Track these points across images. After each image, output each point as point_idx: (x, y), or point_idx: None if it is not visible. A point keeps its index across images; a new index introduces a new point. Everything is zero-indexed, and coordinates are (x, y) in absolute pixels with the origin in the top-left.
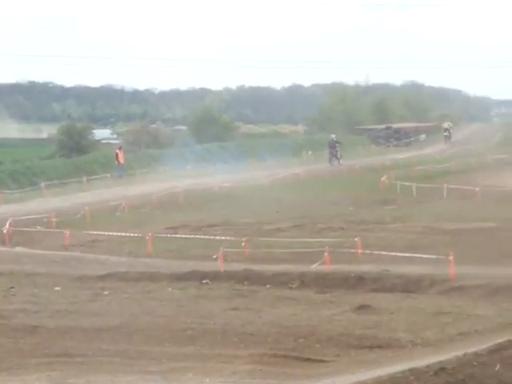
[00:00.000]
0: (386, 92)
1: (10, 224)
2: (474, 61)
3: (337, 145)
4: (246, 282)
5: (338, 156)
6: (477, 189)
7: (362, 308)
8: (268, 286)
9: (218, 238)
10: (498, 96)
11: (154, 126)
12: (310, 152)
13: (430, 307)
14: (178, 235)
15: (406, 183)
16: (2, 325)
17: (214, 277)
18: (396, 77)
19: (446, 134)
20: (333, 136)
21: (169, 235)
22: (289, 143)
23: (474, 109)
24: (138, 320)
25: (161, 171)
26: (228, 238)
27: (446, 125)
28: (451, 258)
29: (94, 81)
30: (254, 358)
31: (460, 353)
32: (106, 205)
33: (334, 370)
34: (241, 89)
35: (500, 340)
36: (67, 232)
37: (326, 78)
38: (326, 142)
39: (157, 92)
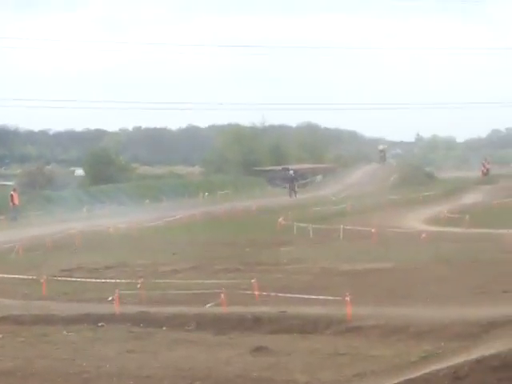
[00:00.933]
0: (283, 133)
1: None
2: (368, 103)
3: (294, 180)
4: (141, 325)
5: (296, 189)
6: (373, 230)
7: (258, 350)
8: (164, 328)
9: (113, 280)
10: (392, 137)
11: (49, 167)
12: (206, 193)
13: (327, 348)
14: (73, 278)
15: (303, 224)
16: None
17: (110, 319)
18: (292, 118)
19: (381, 154)
20: (291, 172)
21: (64, 278)
22: (185, 184)
23: (369, 150)
24: (32, 364)
25: (56, 213)
26: (124, 280)
27: (381, 147)
28: (348, 298)
29: None
30: None
31: None
32: (0, 247)
33: None
34: (137, 130)
35: (396, 381)
36: None
37: (222, 119)
38: (286, 176)
39: (51, 133)
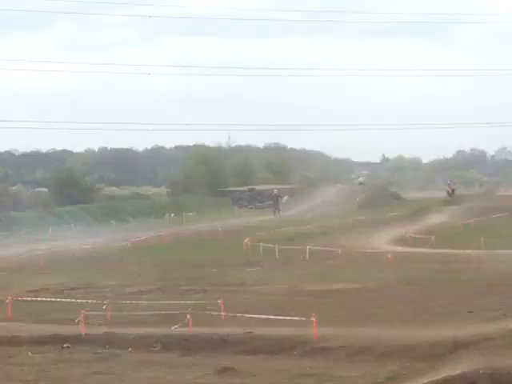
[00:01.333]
0: (249, 154)
1: None
2: (334, 123)
3: (279, 199)
4: (107, 346)
5: (280, 208)
6: (339, 250)
7: (224, 371)
8: (130, 349)
9: (79, 301)
10: (358, 158)
11: (14, 188)
12: (172, 214)
13: (293, 369)
14: (38, 299)
15: (269, 245)
16: None
17: (75, 340)
18: (258, 139)
19: (361, 186)
20: (275, 191)
21: (29, 299)
22: (151, 205)
23: (336, 171)
24: None
25: (22, 234)
26: (89, 301)
27: (361, 179)
28: (314, 319)
29: None
30: None
31: None
32: None
33: None
34: (103, 151)
35: None
36: None
37: (188, 140)
38: (270, 195)
39: (17, 154)
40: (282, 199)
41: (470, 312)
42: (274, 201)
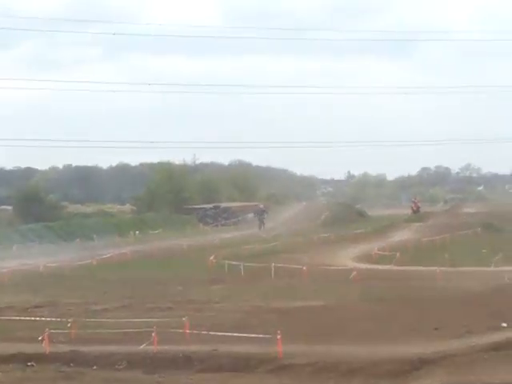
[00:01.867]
0: (214, 171)
1: None
2: (299, 141)
3: (264, 213)
4: (72, 364)
5: (265, 222)
6: (304, 267)
7: None
8: (95, 367)
9: (43, 319)
10: (323, 175)
11: None
12: (137, 232)
13: None
14: (2, 317)
15: (234, 262)
16: None
17: (40, 359)
18: (223, 156)
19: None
20: (261, 206)
21: None
22: (116, 223)
23: (301, 188)
24: None
25: None
26: (54, 319)
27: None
28: (279, 336)
29: None
30: None
31: None
32: None
33: None
34: (67, 168)
35: None
36: None
37: (153, 157)
38: (255, 210)
39: None
40: (247, 217)
41: (435, 329)
42: (259, 215)
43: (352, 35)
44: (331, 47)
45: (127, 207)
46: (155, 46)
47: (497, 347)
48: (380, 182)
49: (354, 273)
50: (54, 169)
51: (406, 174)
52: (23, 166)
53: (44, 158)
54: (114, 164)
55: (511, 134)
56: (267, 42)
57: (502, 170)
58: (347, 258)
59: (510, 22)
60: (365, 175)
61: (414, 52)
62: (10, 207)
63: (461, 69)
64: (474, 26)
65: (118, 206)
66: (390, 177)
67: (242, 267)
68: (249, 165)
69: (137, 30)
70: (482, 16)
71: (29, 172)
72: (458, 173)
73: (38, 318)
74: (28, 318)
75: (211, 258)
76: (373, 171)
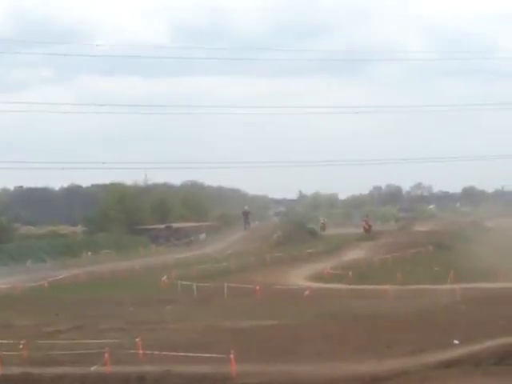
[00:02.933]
0: (166, 192)
1: None
2: (251, 160)
3: (249, 215)
4: None
5: (249, 222)
6: (257, 287)
7: None
8: None
9: None
10: (275, 195)
11: None
12: (89, 253)
13: None
14: None
15: (187, 282)
16: None
17: None
18: (176, 176)
19: (321, 225)
20: (246, 207)
21: None
22: (68, 244)
23: (253, 208)
24: None
25: None
26: (6, 341)
27: (321, 219)
28: (232, 356)
29: None
30: None
31: None
32: None
33: None
34: (18, 190)
35: None
36: None
37: (105, 178)
38: (242, 212)
39: None
40: (200, 237)
41: (388, 347)
42: (245, 216)
43: (301, 55)
44: (280, 67)
45: (79, 228)
46: (106, 67)
47: (449, 364)
48: (332, 201)
49: (307, 292)
50: (4, 191)
51: (357, 193)
52: None
53: None
54: (65, 185)
55: (461, 152)
56: (216, 62)
57: (453, 188)
58: (300, 278)
59: (458, 41)
60: (316, 194)
61: (364, 72)
62: None
63: (410, 88)
64: (422, 45)
65: (70, 228)
66: (342, 196)
67: (194, 287)
68: (201, 185)
69: (87, 51)
70: (430, 36)
71: None
72: (409, 191)
73: None
74: None
75: (164, 278)
76: (324, 190)
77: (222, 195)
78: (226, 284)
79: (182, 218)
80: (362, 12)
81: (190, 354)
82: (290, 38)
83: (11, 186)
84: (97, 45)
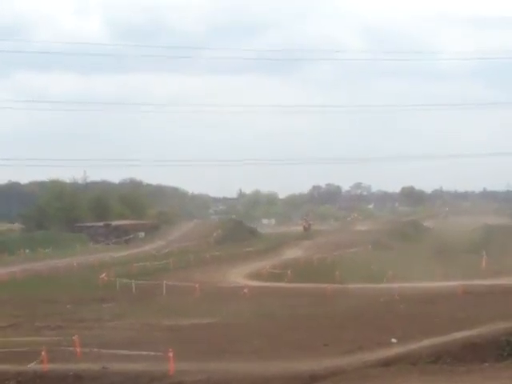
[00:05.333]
0: (105, 189)
1: None
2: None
3: None
4: None
5: None
6: (196, 285)
7: None
8: None
9: None
10: (215, 194)
11: None
12: (27, 250)
13: None
14: None
15: (126, 280)
16: None
17: None
18: (115, 174)
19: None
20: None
21: None
22: (5, 241)
23: (193, 206)
24: None
25: None
26: None
27: (304, 218)
28: (170, 354)
29: None
30: None
31: None
32: None
33: None
34: None
35: None
36: None
37: (43, 175)
38: None
39: None
40: (139, 235)
41: (326, 345)
42: None
43: (238, 54)
44: (217, 66)
45: (16, 226)
46: (42, 64)
47: (387, 362)
48: (271, 200)
49: (246, 290)
50: None
51: (297, 192)
52: None
53: None
54: (2, 182)
55: (400, 152)
56: (153, 60)
57: (392, 188)
58: (239, 276)
59: (394, 42)
60: (256, 193)
61: (301, 70)
62: None
63: (348, 87)
64: (359, 46)
65: (7, 225)
66: (282, 195)
67: (133, 285)
68: (140, 183)
69: (23, 48)
70: (367, 36)
71: None
72: (348, 191)
73: None
74: None
75: (102, 275)
76: (264, 189)
77: (162, 193)
78: (164, 282)
79: (121, 215)
80: (300, 12)
81: (128, 352)
82: (227, 37)
83: None
84: (33, 41)
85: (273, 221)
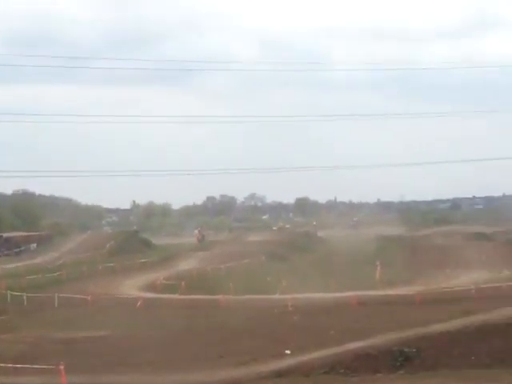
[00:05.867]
0: None
1: None
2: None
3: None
4: None
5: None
6: (88, 297)
7: None
8: None
9: None
10: (108, 204)
11: None
12: None
13: None
14: None
15: (17, 293)
16: None
17: None
18: (6, 185)
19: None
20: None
21: None
22: None
23: (86, 217)
24: None
25: None
26: None
27: (197, 230)
28: (62, 367)
29: None
30: None
31: None
32: None
33: None
34: None
35: None
36: None
37: None
38: None
39: None
40: (30, 247)
41: (221, 357)
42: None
43: (134, 64)
44: (113, 76)
45: None
46: None
47: (281, 373)
48: (165, 211)
49: (140, 302)
50: None
51: (191, 203)
52: None
53: None
54: None
55: (295, 163)
56: (47, 70)
57: (286, 198)
58: (133, 288)
59: (291, 54)
60: (150, 204)
61: (197, 81)
62: None
63: (243, 98)
64: (256, 57)
65: None
66: (176, 206)
67: (25, 297)
68: (32, 194)
69: None
70: (264, 48)
71: None
72: (243, 202)
73: None
74: None
75: None
76: (158, 200)
77: (54, 204)
78: (56, 294)
79: (13, 227)
80: (196, 23)
81: (19, 366)
82: (124, 48)
83: None
84: None
85: (167, 232)
